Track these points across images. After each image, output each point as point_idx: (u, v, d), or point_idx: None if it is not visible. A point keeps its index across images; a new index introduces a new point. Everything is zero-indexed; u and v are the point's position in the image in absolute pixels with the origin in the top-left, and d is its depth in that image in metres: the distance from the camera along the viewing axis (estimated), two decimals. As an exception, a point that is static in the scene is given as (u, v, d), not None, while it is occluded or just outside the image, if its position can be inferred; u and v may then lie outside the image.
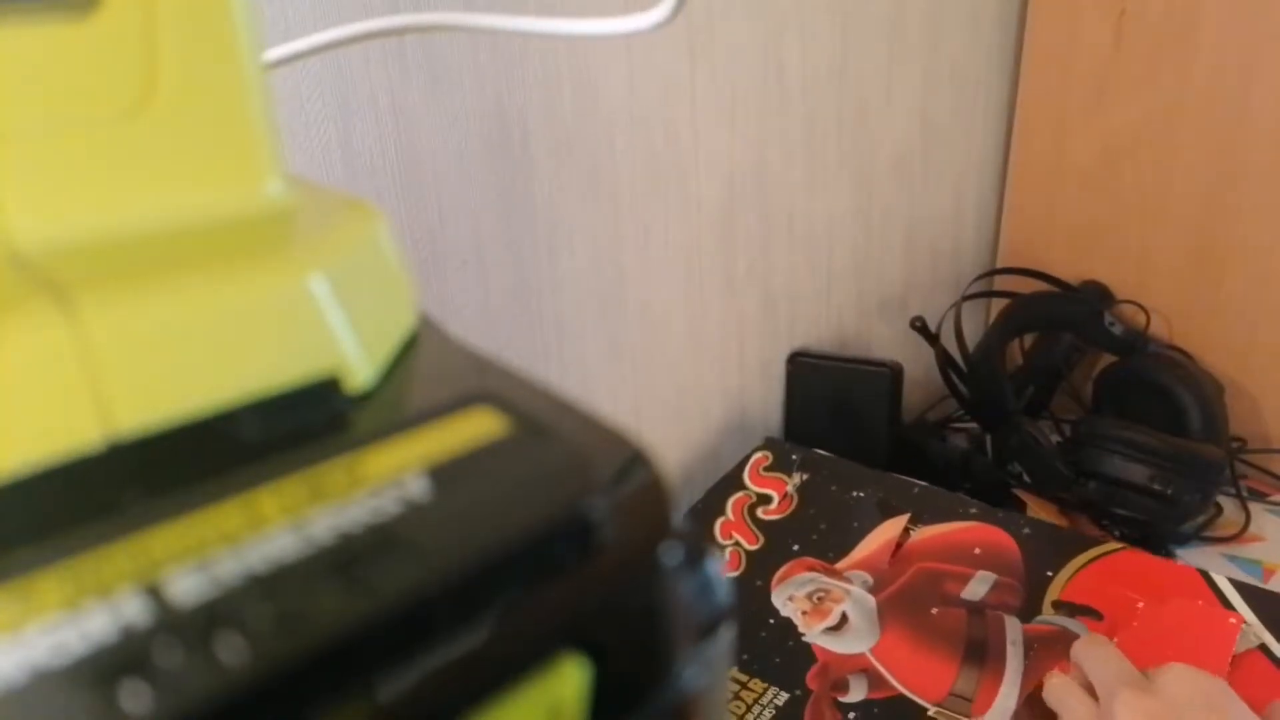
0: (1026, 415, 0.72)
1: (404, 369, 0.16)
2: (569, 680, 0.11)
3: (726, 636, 0.14)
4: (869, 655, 0.51)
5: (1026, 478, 0.72)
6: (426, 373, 0.16)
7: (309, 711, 0.09)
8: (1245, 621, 0.45)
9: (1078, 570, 0.51)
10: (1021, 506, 0.71)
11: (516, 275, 0.58)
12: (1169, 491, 0.64)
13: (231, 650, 0.09)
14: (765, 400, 0.78)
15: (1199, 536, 0.67)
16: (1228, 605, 0.47)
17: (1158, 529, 0.66)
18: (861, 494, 0.62)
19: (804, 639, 0.53)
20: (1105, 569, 0.51)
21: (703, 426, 0.75)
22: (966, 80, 0.85)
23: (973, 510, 0.58)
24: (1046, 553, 0.53)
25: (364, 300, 0.15)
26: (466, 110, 0.53)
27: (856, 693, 0.49)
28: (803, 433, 0.77)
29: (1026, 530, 0.55)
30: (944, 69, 0.82)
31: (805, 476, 0.65)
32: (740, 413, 0.77)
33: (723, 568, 0.14)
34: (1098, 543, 0.53)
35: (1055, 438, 0.72)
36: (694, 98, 0.64)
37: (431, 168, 0.53)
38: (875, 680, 0.49)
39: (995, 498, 0.73)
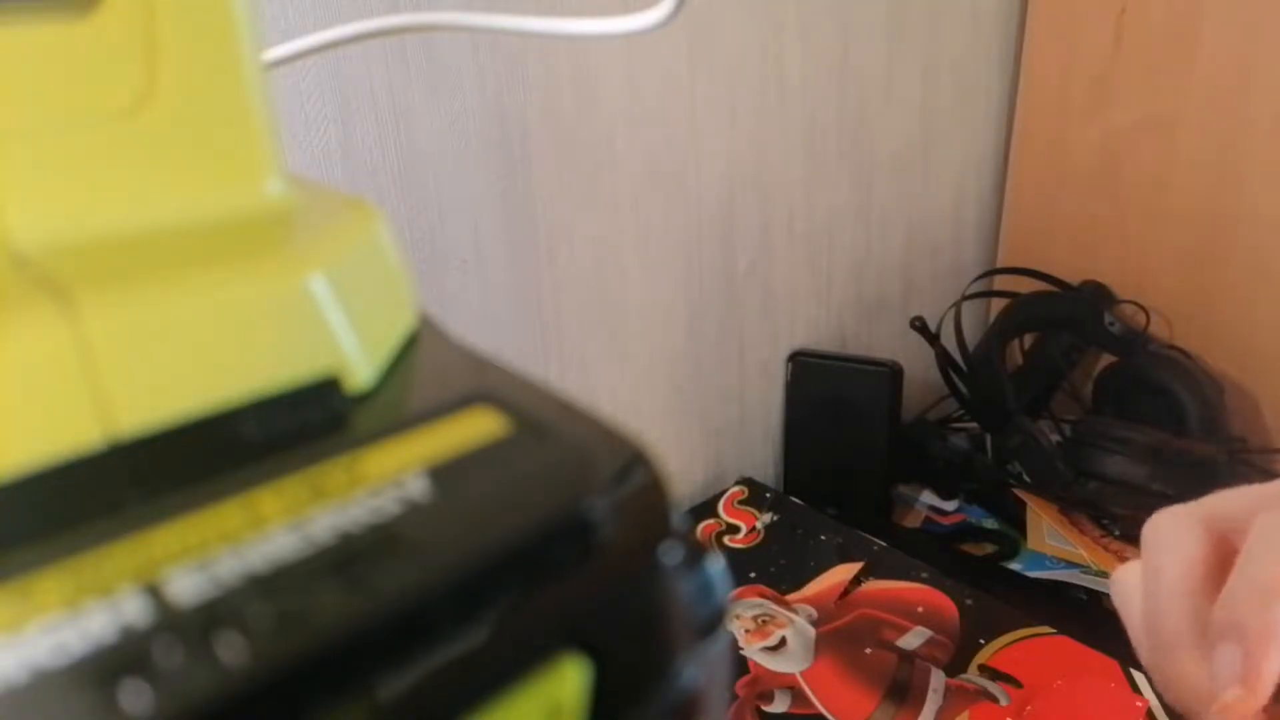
0: (1026, 415, 0.72)
1: (404, 369, 0.16)
2: (569, 680, 0.11)
3: (726, 636, 0.14)
4: (799, 676, 0.54)
5: (1026, 477, 0.72)
6: (426, 373, 0.16)
7: (309, 711, 0.09)
8: (1150, 706, 0.49)
9: (1009, 644, 0.55)
10: (1021, 506, 0.71)
11: (516, 275, 0.58)
12: (1169, 491, 0.64)
13: (232, 650, 0.09)
14: (765, 400, 0.78)
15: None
16: (1137, 692, 0.51)
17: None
18: (824, 538, 0.66)
19: (741, 652, 0.56)
20: (1034, 647, 0.55)
21: (703, 426, 0.75)
22: (966, 80, 0.84)
23: (924, 574, 0.62)
24: (984, 623, 0.57)
25: (364, 300, 0.15)
26: (466, 110, 0.53)
27: (780, 705, 0.52)
28: (803, 432, 0.77)
29: (969, 601, 0.59)
30: (944, 68, 0.82)
31: (775, 517, 0.70)
32: (740, 413, 0.77)
33: (723, 568, 0.14)
34: (1032, 624, 0.57)
35: (1055, 438, 0.72)
36: (694, 98, 0.64)
37: (431, 168, 0.53)
38: (799, 698, 0.52)
39: (995, 498, 0.73)
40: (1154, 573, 0.28)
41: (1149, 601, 0.28)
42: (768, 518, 0.70)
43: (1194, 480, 0.65)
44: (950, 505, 0.74)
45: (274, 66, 0.38)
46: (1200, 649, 0.26)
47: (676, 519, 0.13)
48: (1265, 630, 0.24)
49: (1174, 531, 0.28)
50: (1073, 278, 0.84)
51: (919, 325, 0.76)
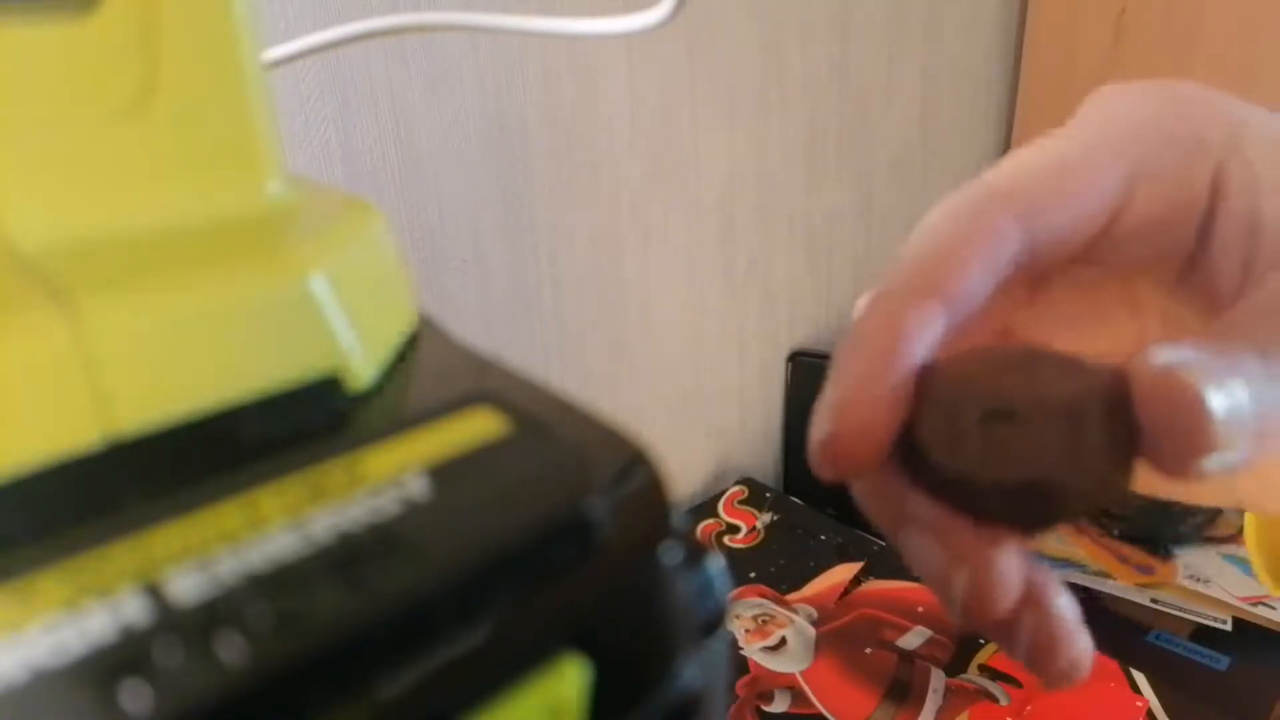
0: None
1: (404, 369, 0.16)
2: (569, 680, 0.11)
3: (726, 636, 0.14)
4: (799, 676, 0.54)
5: (1026, 478, 0.72)
6: (426, 372, 0.16)
7: (309, 711, 0.09)
8: (1150, 707, 0.50)
9: None
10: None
11: (516, 275, 0.58)
12: (1169, 491, 0.64)
13: (232, 650, 0.09)
14: (765, 400, 0.78)
15: (1198, 537, 0.67)
16: (1137, 692, 0.51)
17: (1157, 529, 0.66)
18: (824, 538, 0.66)
19: (741, 652, 0.56)
20: None
21: (703, 427, 0.75)
22: (966, 80, 0.84)
23: None
24: None
25: (364, 300, 0.15)
26: (466, 110, 0.53)
27: (780, 705, 0.52)
28: (803, 432, 0.77)
29: None
30: (944, 69, 0.82)
31: (775, 517, 0.70)
32: (740, 413, 0.77)
33: (723, 568, 0.14)
34: None
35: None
36: (694, 98, 0.64)
37: (431, 168, 0.53)
38: (799, 698, 0.52)
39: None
40: None
41: None
42: (768, 518, 0.70)
43: (1194, 480, 0.65)
44: (950, 505, 0.74)
45: (274, 66, 0.38)
46: None
47: (676, 519, 0.13)
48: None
49: None
50: (1072, 278, 0.84)
51: (919, 325, 0.76)
